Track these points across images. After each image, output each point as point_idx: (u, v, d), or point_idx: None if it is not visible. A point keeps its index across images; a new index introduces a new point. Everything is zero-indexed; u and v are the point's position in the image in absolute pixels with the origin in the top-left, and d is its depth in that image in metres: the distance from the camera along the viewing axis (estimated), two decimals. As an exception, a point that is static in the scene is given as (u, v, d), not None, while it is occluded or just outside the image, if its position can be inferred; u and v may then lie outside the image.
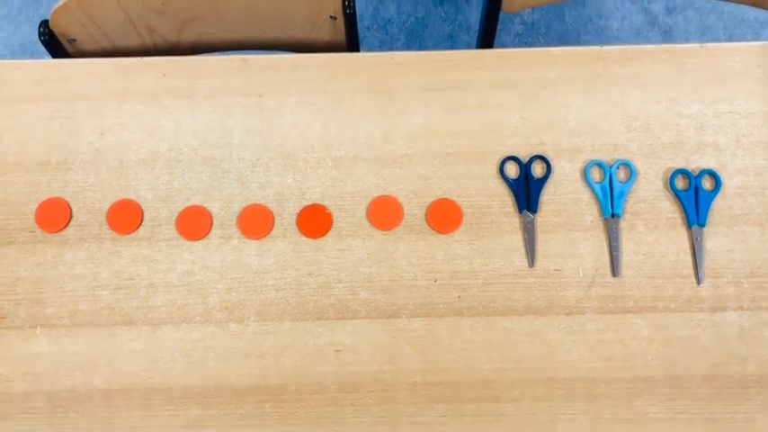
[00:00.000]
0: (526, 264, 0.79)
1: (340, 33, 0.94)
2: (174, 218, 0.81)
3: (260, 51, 1.03)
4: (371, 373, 0.77)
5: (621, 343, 0.77)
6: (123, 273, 0.80)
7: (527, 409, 0.76)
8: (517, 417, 0.76)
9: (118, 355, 0.78)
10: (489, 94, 0.85)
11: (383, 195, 0.82)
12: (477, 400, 0.76)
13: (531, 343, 0.77)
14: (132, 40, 0.97)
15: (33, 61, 0.87)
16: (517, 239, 0.80)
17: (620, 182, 0.81)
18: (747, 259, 0.79)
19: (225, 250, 0.80)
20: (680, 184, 0.81)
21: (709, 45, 0.86)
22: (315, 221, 0.81)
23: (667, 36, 1.53)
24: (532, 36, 1.55)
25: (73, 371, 0.77)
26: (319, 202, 0.81)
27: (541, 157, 0.82)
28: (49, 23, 0.90)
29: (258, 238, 0.81)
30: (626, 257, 0.79)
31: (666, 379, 0.76)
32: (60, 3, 0.88)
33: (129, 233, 0.81)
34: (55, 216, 0.81)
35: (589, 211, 0.81)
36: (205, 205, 0.81)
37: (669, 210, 0.81)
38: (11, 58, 1.61)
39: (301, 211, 0.81)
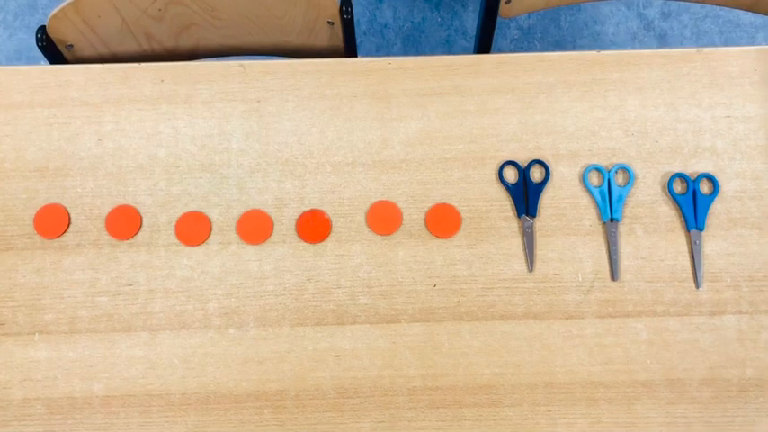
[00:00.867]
0: (525, 268, 0.79)
1: (337, 39, 0.94)
2: (173, 223, 0.81)
3: (258, 57, 1.04)
4: (371, 378, 0.77)
5: (621, 347, 0.77)
6: (122, 279, 0.80)
7: (527, 413, 0.76)
8: (517, 421, 0.76)
9: (116, 362, 0.77)
10: (487, 99, 0.85)
11: (382, 201, 0.82)
12: (477, 404, 0.76)
13: (530, 347, 0.77)
14: (130, 46, 0.97)
15: (31, 67, 0.87)
16: (516, 244, 0.80)
17: (619, 186, 0.81)
18: (746, 263, 0.80)
19: (224, 256, 0.80)
20: (678, 188, 0.82)
21: (706, 50, 0.87)
22: (314, 227, 0.81)
23: (663, 41, 1.54)
24: (528, 41, 1.56)
25: (71, 377, 0.77)
26: (318, 208, 0.82)
27: (540, 162, 0.82)
28: (47, 29, 0.90)
29: (257, 244, 0.81)
30: (625, 261, 0.79)
31: (666, 382, 0.76)
32: (57, 9, 0.88)
33: (127, 239, 0.80)
34: (53, 222, 0.81)
35: (588, 216, 0.81)
36: (204, 211, 0.81)
37: (667, 214, 0.81)
38: (6, 64, 1.61)
39: (300, 217, 0.81)
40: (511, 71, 0.86)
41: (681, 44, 1.53)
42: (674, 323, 0.78)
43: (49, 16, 0.89)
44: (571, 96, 0.85)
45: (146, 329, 0.78)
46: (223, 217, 0.81)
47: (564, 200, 0.82)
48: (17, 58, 1.61)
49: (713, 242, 0.80)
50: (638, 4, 1.55)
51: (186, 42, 0.99)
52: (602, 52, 0.86)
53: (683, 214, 0.81)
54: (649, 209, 0.82)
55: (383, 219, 0.81)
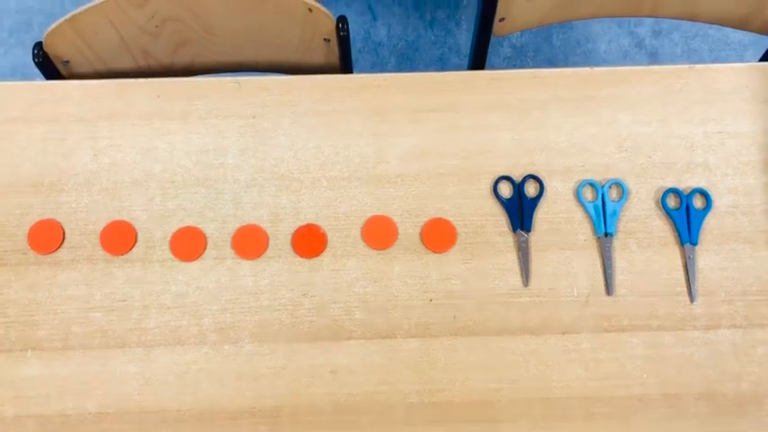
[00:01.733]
0: (521, 283, 0.79)
1: (334, 56, 0.95)
2: (168, 239, 0.81)
3: (254, 73, 1.04)
4: (367, 393, 0.77)
5: (616, 362, 0.77)
6: (116, 294, 0.79)
7: (524, 429, 0.75)
8: (514, 437, 0.75)
9: (110, 378, 0.77)
10: (481, 115, 0.85)
11: (377, 215, 0.82)
12: (475, 420, 0.75)
13: (526, 363, 0.77)
14: (126, 63, 0.97)
15: (27, 83, 0.87)
16: (511, 258, 0.80)
17: (613, 201, 0.82)
18: (739, 277, 0.80)
19: (219, 271, 0.80)
20: (671, 203, 0.82)
21: (698, 66, 0.88)
22: (309, 241, 0.81)
23: (654, 58, 1.56)
24: (521, 59, 1.57)
25: (64, 394, 0.76)
26: (314, 222, 0.82)
27: (534, 177, 0.82)
28: (43, 45, 0.90)
29: (253, 259, 0.80)
30: (619, 276, 0.80)
31: (662, 397, 0.76)
32: (54, 25, 0.88)
33: (122, 254, 0.80)
34: (48, 237, 0.80)
35: (582, 230, 0.81)
36: (199, 226, 0.81)
37: (661, 228, 0.82)
38: (2, 81, 1.61)
39: (296, 232, 0.81)
40: (505, 87, 0.87)
41: (672, 62, 1.55)
42: (669, 338, 0.78)
43: (46, 32, 0.89)
44: (564, 112, 0.85)
45: (140, 345, 0.78)
46: (218, 232, 0.81)
47: (558, 214, 0.82)
48: (12, 75, 1.61)
49: (707, 257, 0.81)
50: (629, 22, 1.57)
51: (183, 59, 0.99)
52: (595, 69, 0.87)
53: (676, 229, 0.81)
54: (643, 223, 0.82)
55: (378, 233, 0.81)
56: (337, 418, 0.76)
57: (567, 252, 0.81)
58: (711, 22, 1.03)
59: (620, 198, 0.82)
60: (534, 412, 0.76)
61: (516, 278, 0.80)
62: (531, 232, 0.81)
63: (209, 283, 0.80)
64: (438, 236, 0.81)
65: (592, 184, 0.82)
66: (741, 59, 1.60)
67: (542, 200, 0.82)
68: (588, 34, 1.55)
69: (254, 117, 0.85)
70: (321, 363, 0.78)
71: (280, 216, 0.82)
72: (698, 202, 0.82)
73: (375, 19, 1.61)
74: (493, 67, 1.58)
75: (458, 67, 1.58)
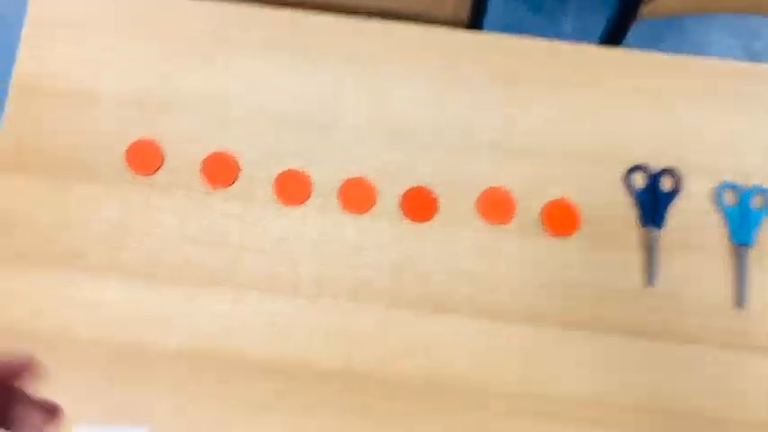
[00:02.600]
0: (644, 282, 0.74)
1: (464, 11, 0.89)
2: (273, 179, 0.76)
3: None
4: (462, 375, 0.72)
5: (741, 381, 0.71)
6: (212, 229, 0.75)
7: (630, 437, 0.70)
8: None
9: (195, 316, 0.73)
10: (622, 96, 0.79)
11: (496, 187, 0.77)
12: (579, 419, 0.70)
13: (638, 368, 0.72)
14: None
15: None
16: (637, 255, 0.75)
17: (755, 209, 0.75)
18: None
19: (322, 221, 0.75)
20: (817, 221, 0.76)
21: None
22: (420, 204, 0.76)
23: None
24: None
25: (144, 325, 0.72)
26: (426, 185, 0.77)
27: (671, 171, 0.77)
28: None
29: (358, 213, 0.76)
30: (754, 290, 0.74)
31: (784, 428, 0.71)
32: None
33: (223, 188, 0.76)
34: (147, 158, 0.76)
35: (717, 235, 0.75)
36: (306, 170, 0.77)
37: (803, 246, 0.76)
38: None
39: (406, 192, 0.76)
40: (650, 72, 0.80)
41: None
42: (797, 365, 0.72)
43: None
44: (715, 106, 0.79)
45: (231, 286, 0.73)
46: (325, 179, 0.77)
47: (693, 215, 0.76)
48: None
49: None
50: (745, 34, 1.49)
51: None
52: (757, 64, 0.80)
53: (819, 250, 0.75)
54: (783, 239, 0.76)
55: (495, 207, 0.76)
56: (428, 395, 0.71)
57: (698, 256, 0.75)
58: None
59: (763, 207, 0.76)
60: (643, 425, 0.70)
61: (639, 276, 0.74)
62: (662, 229, 0.75)
63: (311, 231, 0.75)
64: (560, 219, 0.76)
65: (734, 188, 0.76)
66: None
67: (678, 197, 0.76)
68: (702, 40, 1.47)
69: (376, 63, 0.80)
70: (418, 335, 0.73)
71: (391, 172, 0.77)
72: None
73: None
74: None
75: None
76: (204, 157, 0.76)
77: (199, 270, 0.74)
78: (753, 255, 0.75)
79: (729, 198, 0.76)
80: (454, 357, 0.72)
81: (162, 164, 0.76)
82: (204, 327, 0.72)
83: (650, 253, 0.74)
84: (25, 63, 0.78)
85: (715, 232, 0.76)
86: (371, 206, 0.76)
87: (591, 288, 0.74)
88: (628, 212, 0.76)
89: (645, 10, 0.88)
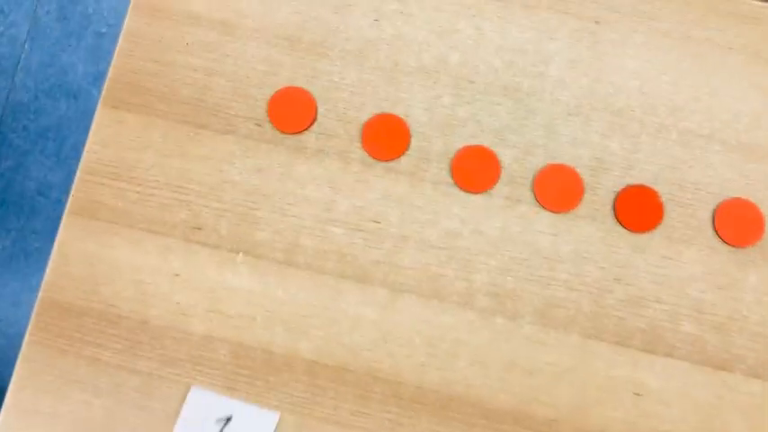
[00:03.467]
0: None
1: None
2: (450, 156, 0.60)
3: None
4: (678, 437, 0.56)
5: None
6: (368, 211, 0.60)
7: None
8: None
9: (338, 319, 0.58)
10: None
11: (738, 198, 0.60)
12: None
13: None
14: None
15: None
16: None
17: None
18: None
19: (509, 216, 0.59)
20: None
21: None
22: (640, 209, 0.59)
23: None
24: None
25: (274, 324, 0.58)
26: (650, 185, 0.60)
27: None
28: None
29: (557, 211, 0.59)
30: None
31: None
32: None
33: (386, 160, 0.60)
34: (294, 112, 0.61)
35: None
36: (495, 149, 0.61)
37: None
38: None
39: (623, 191, 0.60)
40: None
41: None
42: None
43: None
44: None
45: (386, 286, 0.58)
46: (518, 164, 0.60)
47: None
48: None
49: None
50: None
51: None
52: None
53: None
54: None
55: (738, 222, 0.59)
56: (630, 458, 0.55)
57: None
58: None
59: None
60: None
61: None
62: None
63: (493, 228, 0.59)
64: (825, 248, 0.58)
65: None
66: None
67: None
68: None
69: (596, 22, 0.63)
70: (624, 377, 0.57)
71: (605, 164, 0.60)
72: None
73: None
74: None
75: None
76: (367, 118, 0.61)
77: (347, 261, 0.58)
78: None
79: None
80: (669, 412, 0.56)
81: (313, 122, 0.61)
82: (348, 334, 0.57)
83: None
84: (152, -22, 0.64)
85: None
86: (576, 204, 0.59)
87: None
88: None
89: None
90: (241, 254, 0.59)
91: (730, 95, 0.61)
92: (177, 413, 0.56)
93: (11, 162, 1.27)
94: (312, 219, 0.59)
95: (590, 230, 0.59)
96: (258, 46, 0.62)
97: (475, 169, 0.60)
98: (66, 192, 1.28)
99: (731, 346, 0.57)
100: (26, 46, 1.30)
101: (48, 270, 0.59)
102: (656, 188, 0.59)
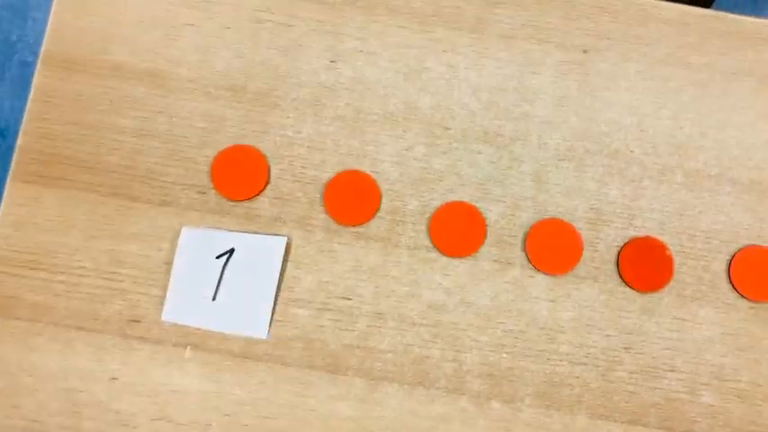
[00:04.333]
0: None
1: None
2: (428, 215, 0.53)
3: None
4: None
5: None
6: (336, 286, 0.52)
7: None
8: None
9: (309, 419, 0.50)
10: None
11: (754, 246, 0.54)
12: None
13: None
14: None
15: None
16: None
17: None
18: None
19: (499, 282, 0.52)
20: None
21: None
22: (646, 265, 0.53)
23: None
24: None
25: (233, 430, 0.50)
26: (656, 236, 0.53)
27: None
28: None
29: (554, 273, 0.53)
30: None
31: None
32: None
33: (354, 224, 0.53)
34: (243, 175, 0.53)
35: None
36: (478, 205, 0.54)
37: None
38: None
39: (626, 245, 0.53)
40: None
41: None
42: None
43: None
44: None
45: (362, 374, 0.51)
46: (506, 220, 0.53)
47: None
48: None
49: None
50: None
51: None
52: None
53: None
54: None
55: (754, 274, 0.53)
56: None
57: None
58: None
59: None
60: None
61: None
62: None
63: (482, 297, 0.52)
64: None
65: None
66: None
67: None
68: None
69: (584, 51, 0.56)
70: (640, 463, 0.51)
71: (604, 215, 0.54)
72: None
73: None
74: None
75: None
76: (329, 177, 0.53)
77: (312, 348, 0.51)
78: None
79: None
80: (695, 501, 0.50)
81: (266, 185, 0.53)
82: (326, 439, 0.50)
83: None
84: (57, 30, 0.55)
85: None
86: (575, 264, 0.53)
87: None
88: None
89: None
90: (189, 348, 0.51)
91: (738, 128, 0.55)
92: None
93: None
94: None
95: (592, 293, 0.52)
96: (195, 99, 0.54)
97: (457, 230, 0.53)
98: None
99: (758, 417, 0.51)
100: (-56, 80, 1.19)
101: (-42, 382, 0.50)
102: (663, 240, 0.53)
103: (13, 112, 1.17)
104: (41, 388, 0.50)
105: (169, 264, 0.51)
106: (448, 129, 0.54)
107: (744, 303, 0.53)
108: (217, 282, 0.50)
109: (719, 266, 0.53)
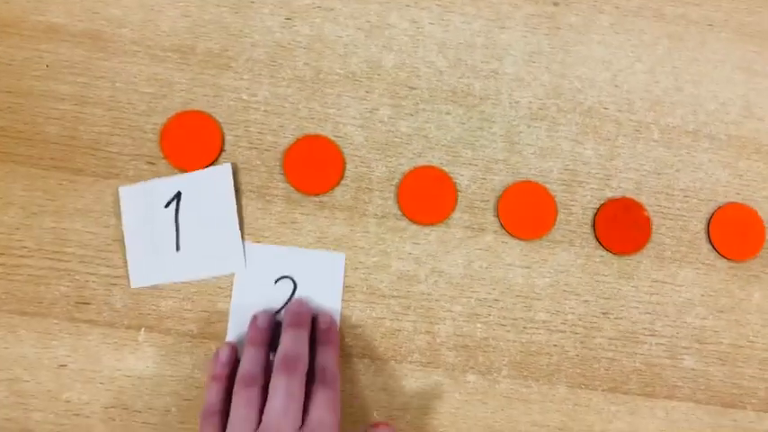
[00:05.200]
0: None
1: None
2: (395, 182, 0.51)
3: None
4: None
5: None
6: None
7: None
8: None
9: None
10: None
11: (734, 203, 0.53)
12: None
13: None
14: None
15: None
16: None
17: None
18: None
19: (472, 249, 0.51)
20: None
21: None
22: (624, 227, 0.51)
23: None
24: None
25: (194, 416, 0.47)
26: (633, 197, 0.52)
27: None
28: None
29: (528, 238, 0.51)
30: None
31: None
32: None
33: (317, 193, 0.50)
34: (195, 143, 0.50)
35: None
36: (447, 169, 0.51)
37: None
38: None
39: (602, 207, 0.52)
40: None
41: None
42: None
43: None
44: None
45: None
46: (477, 185, 0.51)
47: None
48: None
49: None
50: None
51: None
52: None
53: None
54: None
55: (734, 233, 0.52)
56: None
57: None
58: None
59: None
60: None
61: None
62: None
63: (454, 266, 0.50)
64: (835, 254, 0.52)
65: None
66: None
67: None
68: None
69: (555, 3, 0.54)
70: (623, 429, 0.49)
71: (579, 177, 0.52)
72: None
73: None
74: None
75: None
76: (288, 144, 0.50)
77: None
78: None
79: None
80: (677, 467, 0.49)
81: (219, 154, 0.50)
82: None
83: None
84: (-6, -18, 0.51)
85: None
86: (550, 227, 0.51)
87: None
88: None
89: None
90: (143, 330, 0.48)
91: (715, 81, 0.54)
92: None
93: None
94: (231, 278, 0.49)
95: (568, 258, 0.51)
96: (140, 62, 0.51)
97: (426, 196, 0.51)
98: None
99: (740, 379, 0.51)
100: None
101: None
102: (640, 200, 0.52)
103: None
104: (-17, 379, 0.47)
105: (118, 240, 0.48)
106: (414, 89, 0.52)
107: (724, 263, 0.52)
108: (175, 231, 0.48)
109: (698, 226, 0.52)
